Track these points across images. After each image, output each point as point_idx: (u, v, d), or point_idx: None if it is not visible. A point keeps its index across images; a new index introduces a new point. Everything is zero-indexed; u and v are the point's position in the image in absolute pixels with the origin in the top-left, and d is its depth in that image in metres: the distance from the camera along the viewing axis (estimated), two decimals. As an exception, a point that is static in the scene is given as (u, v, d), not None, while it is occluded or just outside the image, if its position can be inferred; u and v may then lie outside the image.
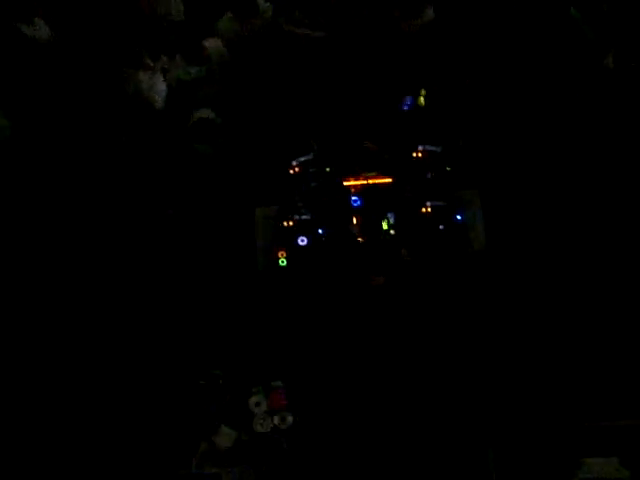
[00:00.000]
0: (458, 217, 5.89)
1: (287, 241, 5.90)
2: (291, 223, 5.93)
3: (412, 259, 5.82)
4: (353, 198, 5.94)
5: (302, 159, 6.04)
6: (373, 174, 5.98)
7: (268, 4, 7.20)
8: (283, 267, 5.88)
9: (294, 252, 5.87)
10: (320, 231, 5.91)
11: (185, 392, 5.44)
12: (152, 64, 6.91)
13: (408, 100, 6.33)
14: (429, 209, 5.91)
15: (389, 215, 5.90)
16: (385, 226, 5.90)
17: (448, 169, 6.02)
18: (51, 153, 6.58)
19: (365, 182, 5.97)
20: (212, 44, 7.10)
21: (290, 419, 5.31)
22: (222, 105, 6.85)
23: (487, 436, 5.25)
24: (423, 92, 6.24)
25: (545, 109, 6.48)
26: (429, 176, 6.00)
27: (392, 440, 5.29)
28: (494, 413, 5.36)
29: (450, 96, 6.47)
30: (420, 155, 6.03)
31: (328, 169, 6.02)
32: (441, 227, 5.88)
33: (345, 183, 5.98)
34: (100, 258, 6.17)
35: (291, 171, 6.05)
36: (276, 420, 5.30)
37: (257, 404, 5.33)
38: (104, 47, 6.93)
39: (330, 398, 5.47)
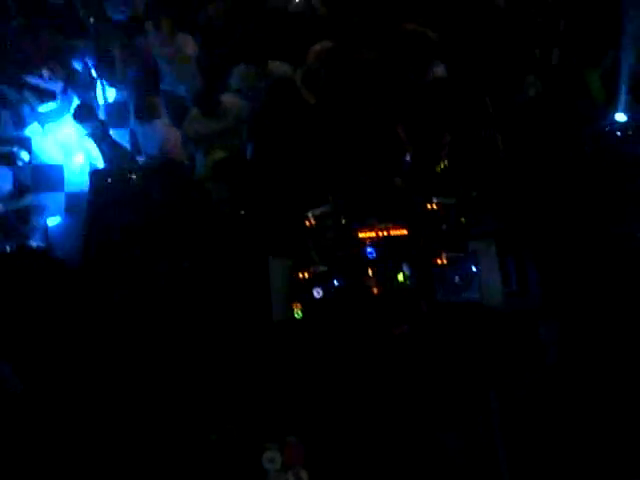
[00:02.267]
0: (473, 268, 5.87)
1: (302, 293, 5.88)
2: (306, 275, 5.92)
3: (429, 310, 5.78)
4: (368, 250, 5.93)
5: (317, 211, 6.06)
6: (388, 225, 5.98)
7: (278, 62, 7.33)
8: (299, 319, 5.85)
9: (309, 304, 5.85)
10: (335, 283, 5.89)
11: (196, 447, 5.38)
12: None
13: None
14: (444, 260, 5.89)
15: (404, 266, 5.89)
16: (400, 278, 5.88)
17: (462, 220, 6.01)
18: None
19: (380, 234, 5.97)
20: (229, 99, 7.20)
21: (305, 475, 5.22)
22: (239, 156, 6.94)
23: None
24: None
25: (557, 160, 6.51)
26: (444, 227, 5.99)
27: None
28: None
29: (464, 148, 6.50)
30: (434, 207, 6.03)
31: (343, 221, 6.03)
32: (456, 279, 5.85)
33: (360, 235, 5.97)
34: (117, 310, 6.17)
35: (306, 223, 6.06)
36: (291, 476, 5.21)
37: (271, 460, 5.25)
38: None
39: (346, 453, 5.39)
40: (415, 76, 6.93)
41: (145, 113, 7.20)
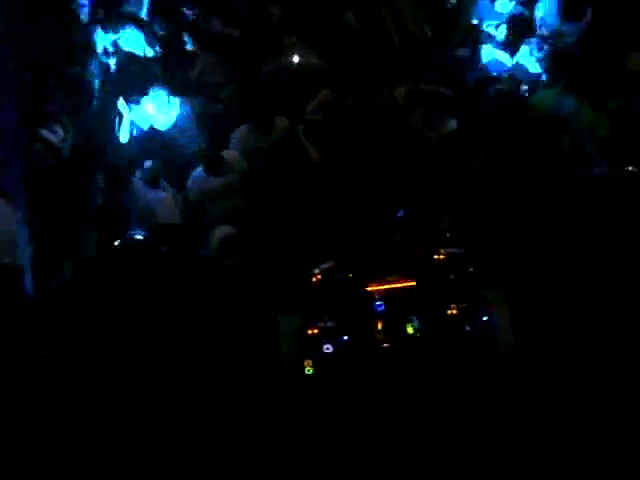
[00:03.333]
0: (484, 318, 5.83)
1: (312, 349, 5.85)
2: (316, 331, 5.89)
3: (440, 362, 5.73)
4: (377, 303, 5.91)
5: (323, 267, 6.05)
6: (396, 278, 5.97)
7: (284, 118, 7.39)
8: (310, 375, 5.81)
9: (320, 360, 5.82)
10: (345, 338, 5.86)
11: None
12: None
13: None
14: (454, 311, 5.86)
15: (413, 319, 5.86)
16: (410, 330, 5.85)
17: (470, 270, 5.99)
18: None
19: (388, 286, 5.95)
20: (232, 155, 7.26)
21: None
22: (242, 216, 6.96)
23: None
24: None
25: (563, 209, 6.52)
26: (452, 278, 5.97)
27: None
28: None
29: (470, 199, 6.53)
30: (442, 257, 6.02)
31: (350, 275, 6.02)
32: (467, 329, 5.81)
33: (368, 288, 5.96)
34: (119, 378, 6.14)
35: (313, 279, 6.05)
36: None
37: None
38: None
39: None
40: (425, 130, 7.00)
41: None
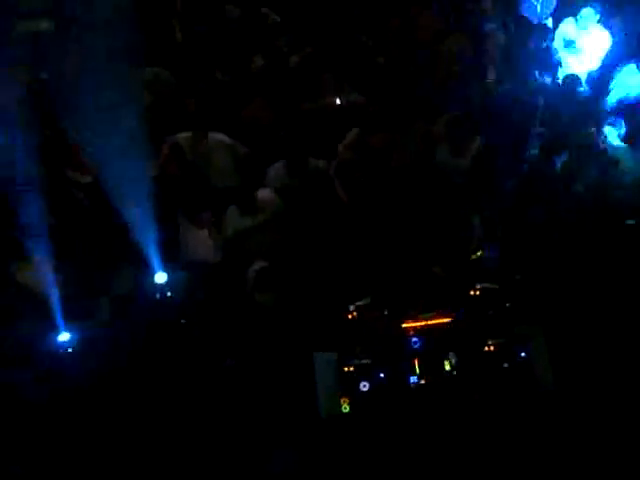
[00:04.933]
0: (522, 354, 5.77)
1: (349, 387, 5.81)
2: (352, 368, 5.86)
3: (480, 399, 5.67)
4: (413, 339, 5.87)
5: (359, 303, 6.03)
6: (432, 314, 5.93)
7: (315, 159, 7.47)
8: (346, 413, 5.77)
9: (356, 398, 5.78)
10: (381, 375, 5.82)
11: None
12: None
13: None
14: (491, 347, 5.80)
15: (450, 355, 5.81)
16: (447, 366, 5.80)
17: (507, 305, 5.94)
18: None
19: (424, 323, 5.92)
20: (265, 195, 7.31)
21: None
22: (277, 253, 6.98)
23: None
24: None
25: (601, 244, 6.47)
26: (489, 313, 5.93)
27: None
28: None
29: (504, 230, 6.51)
30: (478, 293, 5.98)
31: (386, 312, 5.99)
32: (505, 365, 5.75)
33: (404, 325, 5.92)
34: (156, 413, 6.14)
35: (349, 316, 6.03)
36: None
37: None
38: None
39: None
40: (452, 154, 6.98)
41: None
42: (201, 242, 7.25)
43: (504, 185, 6.96)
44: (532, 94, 7.67)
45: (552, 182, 7.01)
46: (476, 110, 7.51)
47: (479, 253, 6.20)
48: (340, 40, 8.51)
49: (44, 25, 8.71)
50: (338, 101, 8.03)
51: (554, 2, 8.66)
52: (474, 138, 7.31)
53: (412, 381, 5.79)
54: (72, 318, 6.60)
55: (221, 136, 7.86)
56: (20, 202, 7.08)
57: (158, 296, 6.72)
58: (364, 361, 5.86)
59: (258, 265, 6.77)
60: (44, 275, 6.76)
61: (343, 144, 7.53)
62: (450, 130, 7.35)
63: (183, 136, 7.87)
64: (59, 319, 6.55)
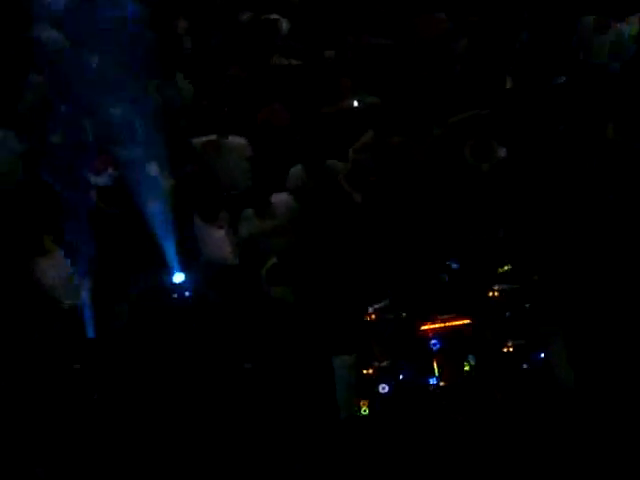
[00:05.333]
0: (541, 355, 5.75)
1: (368, 389, 5.82)
2: (371, 371, 5.87)
3: (502, 400, 5.67)
4: (432, 341, 5.87)
5: (378, 306, 6.03)
6: (450, 316, 5.93)
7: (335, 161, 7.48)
8: (365, 416, 5.78)
9: (376, 400, 5.78)
10: (401, 377, 5.82)
11: None
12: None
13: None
14: (510, 348, 5.79)
15: (470, 357, 5.80)
16: (466, 368, 5.79)
17: (526, 306, 5.93)
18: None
19: (443, 325, 5.91)
20: (280, 199, 7.33)
21: None
22: (294, 255, 6.99)
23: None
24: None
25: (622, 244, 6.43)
26: (508, 315, 5.92)
27: None
28: None
29: (524, 232, 6.48)
30: (497, 294, 5.97)
31: (404, 314, 5.99)
32: (524, 366, 5.74)
33: (423, 327, 5.92)
34: (176, 417, 6.17)
35: (368, 318, 6.03)
36: None
37: None
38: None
39: None
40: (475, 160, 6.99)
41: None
42: (218, 243, 7.27)
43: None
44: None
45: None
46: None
47: (506, 267, 6.15)
48: (356, 43, 8.53)
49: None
50: (356, 103, 8.04)
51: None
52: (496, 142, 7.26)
53: (431, 383, 5.81)
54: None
55: (238, 139, 7.91)
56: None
57: (175, 296, 6.77)
58: (383, 363, 5.88)
59: (272, 261, 6.79)
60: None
61: (355, 146, 7.54)
62: (472, 132, 7.31)
63: (201, 140, 7.92)
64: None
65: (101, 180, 7.93)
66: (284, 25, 8.87)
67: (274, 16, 8.90)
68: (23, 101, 8.35)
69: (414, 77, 7.98)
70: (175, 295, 6.78)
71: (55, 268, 6.94)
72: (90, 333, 6.56)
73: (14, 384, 6.25)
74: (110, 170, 7.76)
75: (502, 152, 7.12)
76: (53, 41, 8.81)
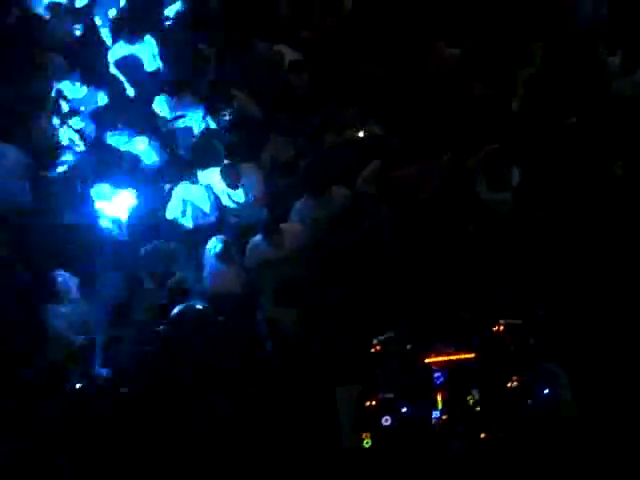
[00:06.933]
0: (546, 391, 5.74)
1: (371, 421, 5.80)
2: (374, 402, 5.84)
3: (505, 436, 5.64)
4: (436, 375, 5.85)
5: (382, 337, 6.03)
6: (455, 349, 5.91)
7: (342, 187, 7.51)
8: (368, 448, 5.75)
9: (378, 432, 5.76)
10: (404, 410, 5.80)
11: None
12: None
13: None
14: (515, 383, 5.78)
15: (474, 391, 5.78)
16: (470, 402, 5.77)
17: (531, 341, 5.92)
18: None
19: (448, 358, 5.90)
20: (290, 227, 7.37)
21: None
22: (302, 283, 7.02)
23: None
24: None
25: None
26: (512, 349, 5.91)
27: None
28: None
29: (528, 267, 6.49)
30: (501, 328, 5.97)
31: (409, 346, 5.99)
32: (529, 402, 5.72)
33: (427, 360, 5.91)
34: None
35: (372, 350, 6.03)
36: None
37: None
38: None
39: None
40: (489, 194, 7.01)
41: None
42: (225, 275, 7.31)
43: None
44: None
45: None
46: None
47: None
48: (360, 72, 8.59)
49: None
50: (361, 134, 8.09)
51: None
52: (512, 171, 7.21)
53: (435, 416, 5.79)
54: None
55: (247, 168, 7.97)
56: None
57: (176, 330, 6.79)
58: (387, 395, 5.86)
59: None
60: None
61: (362, 176, 7.58)
62: (488, 162, 7.28)
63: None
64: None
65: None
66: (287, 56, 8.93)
67: (280, 47, 8.98)
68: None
69: (421, 107, 8.03)
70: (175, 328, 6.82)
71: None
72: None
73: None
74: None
75: (516, 176, 7.12)
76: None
